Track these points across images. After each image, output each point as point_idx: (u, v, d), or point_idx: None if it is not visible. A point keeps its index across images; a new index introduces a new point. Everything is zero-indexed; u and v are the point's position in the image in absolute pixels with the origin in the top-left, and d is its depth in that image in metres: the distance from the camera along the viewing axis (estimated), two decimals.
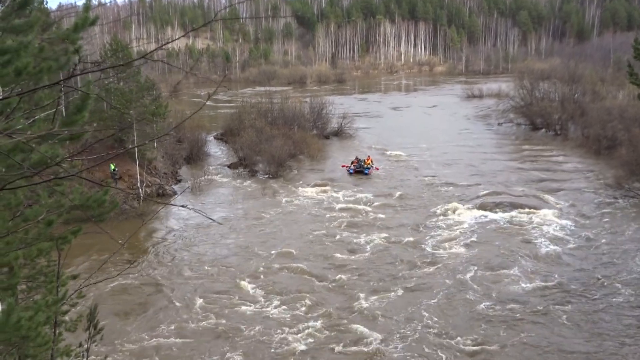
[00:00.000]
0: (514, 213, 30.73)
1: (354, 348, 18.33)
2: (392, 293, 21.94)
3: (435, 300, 21.32)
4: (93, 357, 9.64)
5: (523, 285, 22.40)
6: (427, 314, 20.32)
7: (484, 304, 20.99)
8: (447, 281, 22.93)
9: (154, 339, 18.97)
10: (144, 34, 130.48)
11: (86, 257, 25.19)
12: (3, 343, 7.30)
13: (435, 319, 19.99)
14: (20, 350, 7.80)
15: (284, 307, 21.02)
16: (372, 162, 40.71)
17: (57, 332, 9.39)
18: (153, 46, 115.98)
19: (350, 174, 39.48)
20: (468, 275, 23.28)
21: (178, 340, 18.91)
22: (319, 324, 19.79)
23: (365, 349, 18.26)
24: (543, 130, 54.54)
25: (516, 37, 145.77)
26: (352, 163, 40.45)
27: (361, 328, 19.45)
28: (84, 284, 8.78)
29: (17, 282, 8.44)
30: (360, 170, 39.58)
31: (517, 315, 20.11)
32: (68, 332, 10.79)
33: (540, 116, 54.91)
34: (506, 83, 75.80)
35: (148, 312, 20.79)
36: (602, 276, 22.94)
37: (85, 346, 9.42)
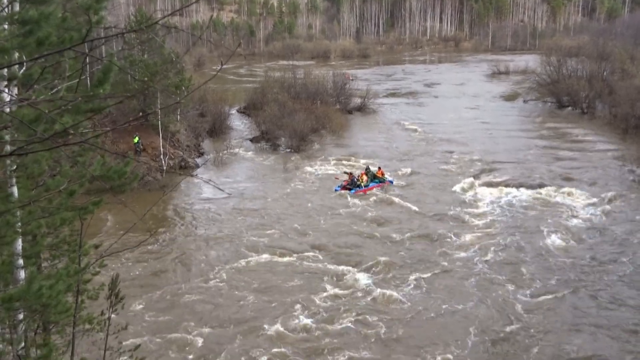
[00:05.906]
0: (538, 192, 30.41)
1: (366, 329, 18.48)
2: (410, 274, 22.02)
3: (460, 280, 21.36)
4: (114, 325, 9.80)
5: (543, 268, 22.33)
6: (444, 294, 20.41)
7: (511, 291, 20.97)
8: (469, 262, 22.92)
9: (174, 308, 19.26)
10: (168, 5, 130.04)
11: (109, 226, 25.57)
12: (27, 309, 7.46)
13: (455, 297, 20.08)
14: (43, 317, 7.97)
15: (301, 281, 21.20)
16: (383, 175, 32.64)
17: (80, 300, 9.57)
18: (177, 18, 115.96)
19: (336, 191, 31.15)
20: (489, 258, 23.24)
21: (197, 308, 19.18)
22: (331, 299, 19.95)
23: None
24: (569, 108, 53.64)
25: (545, 12, 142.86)
26: (348, 175, 32.07)
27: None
28: (106, 253, 8.90)
29: (40, 251, 8.60)
30: (348, 187, 31.15)
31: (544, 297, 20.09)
32: (90, 300, 10.98)
33: (567, 94, 53.96)
34: (534, 60, 74.44)
35: (168, 282, 21.06)
36: (630, 255, 22.81)
37: (107, 315, 9.58)
